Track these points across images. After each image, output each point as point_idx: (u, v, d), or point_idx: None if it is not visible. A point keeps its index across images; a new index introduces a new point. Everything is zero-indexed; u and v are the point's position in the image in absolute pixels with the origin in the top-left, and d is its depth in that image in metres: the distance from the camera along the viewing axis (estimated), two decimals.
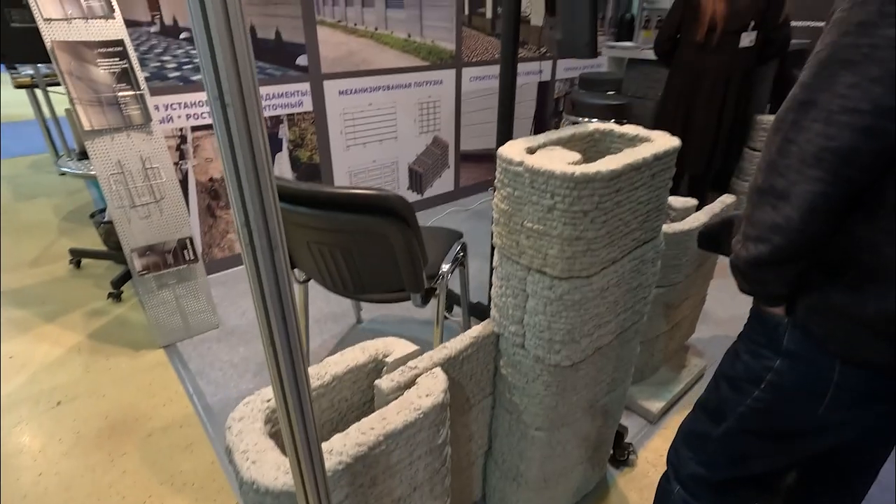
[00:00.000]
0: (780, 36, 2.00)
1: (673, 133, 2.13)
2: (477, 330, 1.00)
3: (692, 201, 1.59)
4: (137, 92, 1.64)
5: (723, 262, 2.21)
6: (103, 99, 1.60)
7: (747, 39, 1.96)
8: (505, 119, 1.33)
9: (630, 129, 1.01)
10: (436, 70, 2.82)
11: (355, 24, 2.42)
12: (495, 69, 3.01)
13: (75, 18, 1.57)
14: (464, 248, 1.57)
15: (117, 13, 1.63)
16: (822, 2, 3.01)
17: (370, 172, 2.78)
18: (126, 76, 1.63)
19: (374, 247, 1.22)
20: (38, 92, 2.82)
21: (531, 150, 0.89)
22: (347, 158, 2.65)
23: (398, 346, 0.93)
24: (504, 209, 0.88)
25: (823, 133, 0.55)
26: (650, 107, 2.51)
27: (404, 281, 1.28)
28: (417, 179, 3.03)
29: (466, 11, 2.82)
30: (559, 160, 0.82)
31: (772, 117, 2.99)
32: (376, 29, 2.50)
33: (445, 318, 1.98)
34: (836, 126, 0.54)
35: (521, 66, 3.20)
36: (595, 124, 1.06)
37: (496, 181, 0.89)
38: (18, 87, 2.63)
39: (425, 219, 3.03)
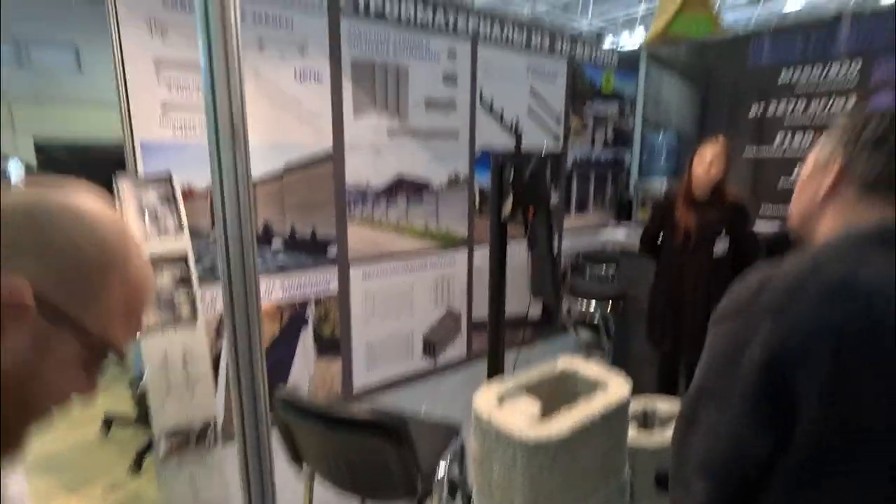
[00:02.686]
0: (750, 247, 2.26)
1: (664, 329, 2.29)
2: None
3: (679, 405, 1.69)
4: (191, 294, 1.96)
5: None
6: (162, 301, 1.91)
7: (720, 247, 2.22)
8: (495, 299, 1.53)
9: (593, 371, 1.19)
10: (450, 251, 3.18)
11: (380, 220, 2.83)
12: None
13: (153, 237, 1.96)
14: (461, 446, 1.68)
15: (185, 230, 2.02)
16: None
17: (386, 343, 2.99)
18: (184, 281, 1.96)
19: (370, 458, 1.35)
20: None
21: (500, 399, 1.06)
22: (366, 332, 2.89)
23: None
24: (477, 452, 1.03)
25: (705, 447, 0.71)
26: (643, 289, 2.72)
27: (399, 489, 1.38)
28: (431, 348, 3.21)
29: (477, 202, 3.26)
30: (521, 415, 0.99)
31: None
32: (398, 222, 2.91)
33: None
34: (716, 439, 0.70)
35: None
36: (562, 364, 1.24)
37: (472, 423, 1.05)
38: None
39: (438, 384, 3.14)
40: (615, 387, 1.10)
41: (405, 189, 2.91)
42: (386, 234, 2.88)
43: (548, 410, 1.04)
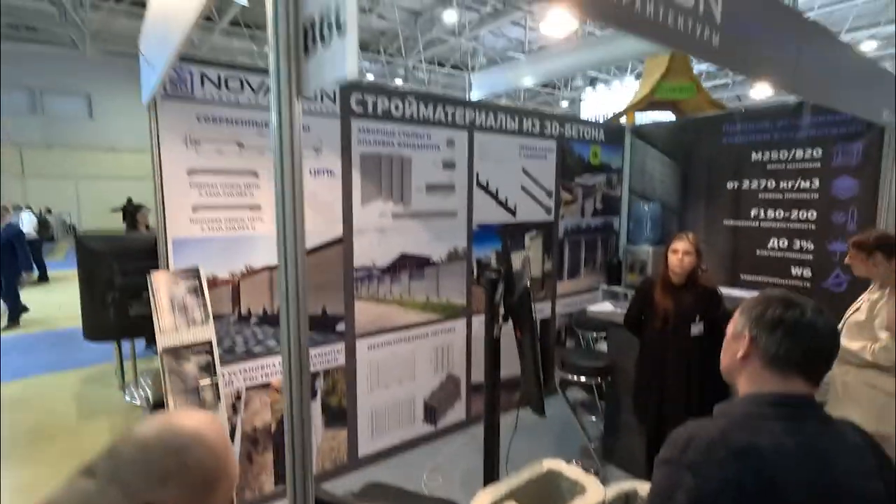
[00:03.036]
0: (723, 327, 2.46)
1: (647, 404, 2.47)
2: None
3: None
4: (214, 380, 2.16)
5: None
6: (188, 388, 2.11)
7: (696, 329, 2.43)
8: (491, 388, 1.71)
9: (574, 473, 1.38)
10: (449, 320, 3.39)
11: (384, 295, 3.06)
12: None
13: (182, 327, 2.17)
14: None
15: (210, 319, 2.24)
16: (779, 265, 3.59)
17: (389, 409, 3.16)
18: (208, 368, 2.16)
19: None
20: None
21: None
22: (370, 399, 3.06)
23: None
24: None
25: None
26: (631, 359, 2.91)
27: None
28: (432, 413, 3.37)
29: (475, 274, 3.49)
30: None
31: None
32: (401, 296, 3.14)
33: None
34: None
35: None
36: (548, 464, 1.43)
37: None
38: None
39: (438, 449, 3.28)
40: (592, 493, 1.29)
41: (408, 265, 3.15)
42: (390, 308, 3.09)
43: None
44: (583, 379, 2.85)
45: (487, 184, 3.51)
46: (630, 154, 4.47)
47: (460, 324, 3.47)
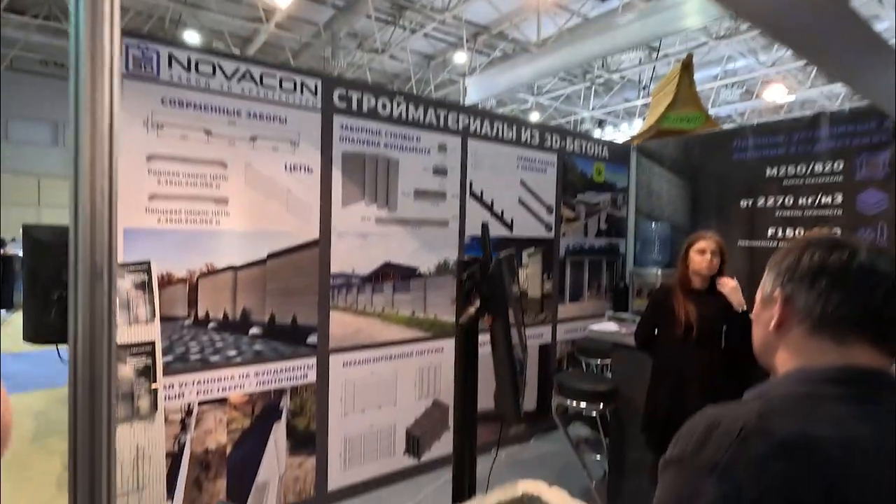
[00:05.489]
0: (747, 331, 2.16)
1: (667, 433, 2.13)
2: None
3: None
4: (153, 387, 1.88)
5: None
6: (121, 393, 1.83)
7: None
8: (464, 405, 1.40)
9: (555, 497, 1.07)
10: (437, 339, 3.09)
11: (364, 307, 2.78)
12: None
13: (121, 325, 1.92)
14: None
15: (157, 318, 1.99)
16: None
17: (366, 437, 2.81)
18: (147, 372, 1.89)
19: None
20: None
21: None
22: (344, 425, 2.73)
23: None
24: None
25: None
26: (639, 386, 2.57)
27: None
28: (415, 444, 3.02)
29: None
30: None
31: None
32: (383, 309, 2.86)
33: None
34: None
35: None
36: (524, 486, 1.12)
37: None
38: None
39: (421, 485, 2.90)
40: None
41: (392, 275, 2.89)
42: (370, 322, 2.81)
43: None
44: (583, 405, 2.50)
45: (482, 194, 3.29)
46: (636, 173, 4.25)
47: (449, 344, 3.16)
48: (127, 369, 1.85)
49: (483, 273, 1.40)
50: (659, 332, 2.30)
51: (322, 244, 2.61)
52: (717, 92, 11.09)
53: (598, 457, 3.17)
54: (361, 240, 2.76)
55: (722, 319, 2.16)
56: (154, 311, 1.97)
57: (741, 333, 2.16)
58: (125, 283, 1.98)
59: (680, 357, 2.18)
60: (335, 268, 2.66)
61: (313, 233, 2.58)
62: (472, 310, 1.37)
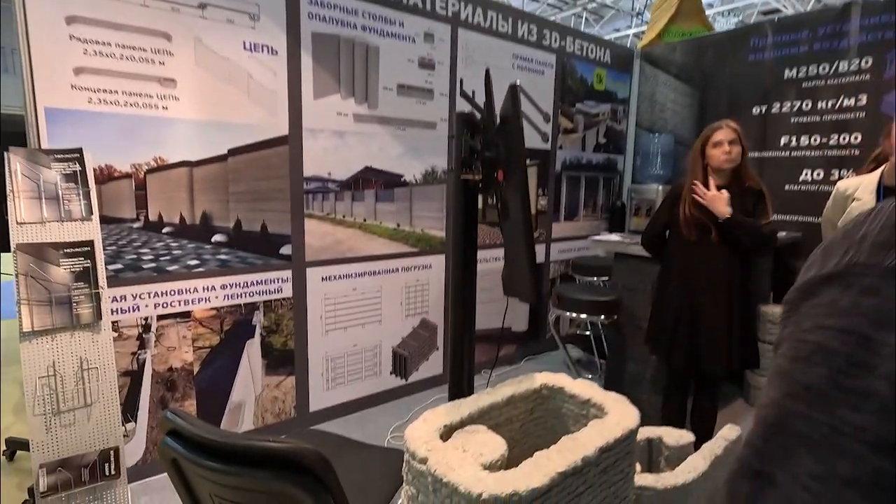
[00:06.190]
0: (766, 231, 1.97)
1: (675, 340, 1.94)
2: None
3: (688, 437, 1.35)
4: (93, 291, 1.60)
5: None
6: (54, 298, 1.55)
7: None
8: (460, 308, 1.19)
9: (585, 390, 0.85)
10: (425, 255, 2.85)
11: (343, 216, 2.50)
12: (490, 252, 3.04)
13: (51, 221, 1.61)
14: None
15: (95, 216, 1.67)
16: (811, 201, 3.08)
17: (350, 357, 2.63)
18: (86, 275, 1.60)
19: None
20: None
21: (448, 431, 0.72)
22: (325, 343, 2.52)
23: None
24: None
25: None
26: (641, 299, 2.40)
27: None
28: (402, 363, 2.85)
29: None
30: (474, 457, 0.64)
31: (775, 308, 2.85)
32: (365, 220, 2.58)
33: None
34: None
35: None
36: (543, 377, 0.90)
37: (403, 472, 0.70)
38: None
39: (409, 406, 2.77)
40: (617, 413, 0.76)
41: (373, 183, 2.59)
42: (350, 233, 2.54)
43: (520, 447, 0.70)
44: (583, 317, 2.32)
45: (473, 95, 2.92)
46: (639, 82, 3.90)
47: (438, 260, 2.93)
48: (61, 272, 1.57)
49: (487, 125, 1.11)
50: (672, 233, 2.08)
51: (292, 141, 2.27)
52: None
53: (591, 377, 3.06)
54: (338, 139, 2.42)
55: (745, 216, 1.94)
56: (91, 207, 1.66)
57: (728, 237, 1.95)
58: (51, 174, 1.64)
59: (695, 260, 1.98)
60: (309, 170, 2.34)
61: (281, 128, 2.24)
62: (475, 176, 1.10)
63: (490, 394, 0.82)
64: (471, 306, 1.17)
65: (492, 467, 0.62)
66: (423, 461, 0.64)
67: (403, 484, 0.69)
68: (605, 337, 3.08)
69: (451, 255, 1.16)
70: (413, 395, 2.90)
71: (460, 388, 1.23)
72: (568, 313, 2.37)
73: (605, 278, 3.20)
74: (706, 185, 1.95)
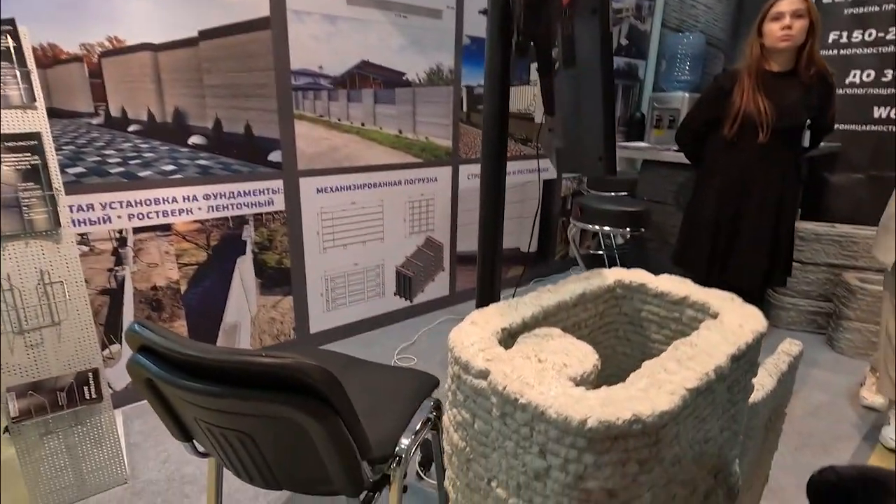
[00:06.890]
0: (828, 126, 1.73)
1: (716, 248, 1.73)
2: None
3: None
4: (47, 193, 1.35)
5: (789, 427, 1.75)
6: (3, 201, 1.30)
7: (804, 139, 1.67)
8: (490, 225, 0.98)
9: (676, 286, 0.64)
10: (430, 167, 2.58)
11: (339, 120, 2.20)
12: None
13: None
14: (437, 405, 1.16)
15: (40, 103, 1.38)
16: (856, 107, 2.79)
17: (351, 277, 2.44)
18: (35, 174, 1.35)
19: (285, 436, 0.81)
20: None
21: (508, 336, 0.51)
22: (324, 261, 2.32)
23: None
24: (459, 446, 0.49)
25: None
26: (672, 212, 2.18)
27: (334, 482, 0.86)
28: (406, 284, 2.68)
29: (464, 108, 2.62)
30: (557, 369, 0.44)
31: (806, 224, 2.66)
32: (363, 124, 2.28)
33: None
34: None
35: (523, 163, 2.97)
36: (616, 273, 0.69)
37: (448, 391, 0.50)
38: None
39: (415, 327, 2.63)
40: (734, 313, 0.56)
41: (371, 81, 2.26)
42: (347, 139, 2.25)
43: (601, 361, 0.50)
44: (606, 229, 2.11)
45: None
46: None
47: (444, 172, 2.66)
48: (4, 170, 1.31)
49: None
50: (715, 134, 1.81)
51: (275, 25, 1.92)
52: None
53: None
54: (329, 24, 2.07)
55: (807, 111, 1.67)
56: (32, 92, 1.36)
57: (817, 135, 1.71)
58: None
59: (743, 167, 1.73)
60: (296, 62, 2.01)
61: (261, 7, 1.88)
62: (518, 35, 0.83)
63: (552, 291, 0.61)
64: (502, 178, 0.95)
65: (583, 383, 0.42)
66: (483, 375, 0.43)
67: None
68: (619, 257, 2.90)
69: (484, 123, 0.91)
70: (419, 317, 2.76)
71: (492, 284, 1.03)
72: (591, 226, 2.16)
73: (624, 194, 2.95)
74: (764, 70, 1.67)
